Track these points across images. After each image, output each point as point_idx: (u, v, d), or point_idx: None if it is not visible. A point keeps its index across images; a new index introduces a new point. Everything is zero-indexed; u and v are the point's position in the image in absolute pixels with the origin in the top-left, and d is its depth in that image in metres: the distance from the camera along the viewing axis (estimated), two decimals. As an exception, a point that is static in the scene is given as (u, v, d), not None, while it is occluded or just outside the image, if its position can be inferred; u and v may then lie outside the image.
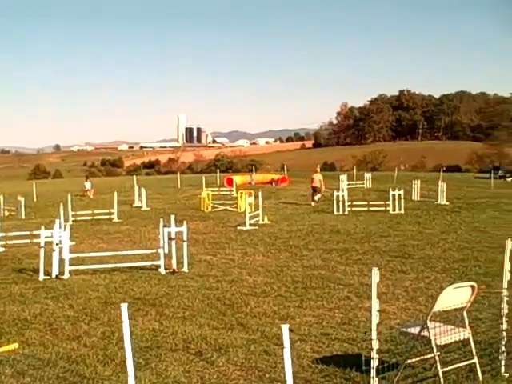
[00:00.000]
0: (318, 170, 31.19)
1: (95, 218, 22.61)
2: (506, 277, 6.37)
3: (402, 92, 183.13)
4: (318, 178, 28.64)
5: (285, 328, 4.54)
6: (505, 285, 6.37)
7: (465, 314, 6.26)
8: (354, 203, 24.19)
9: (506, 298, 6.38)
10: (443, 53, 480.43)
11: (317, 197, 28.12)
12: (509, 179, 43.73)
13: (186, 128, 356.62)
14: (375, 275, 5.38)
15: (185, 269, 12.47)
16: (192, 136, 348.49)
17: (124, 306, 5.04)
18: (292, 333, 7.87)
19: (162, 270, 12.37)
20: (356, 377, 6.21)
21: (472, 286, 6.17)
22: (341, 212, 23.15)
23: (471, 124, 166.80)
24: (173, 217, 12.98)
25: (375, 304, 5.41)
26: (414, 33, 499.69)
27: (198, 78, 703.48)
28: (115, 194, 24.05)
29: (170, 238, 12.81)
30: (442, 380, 5.87)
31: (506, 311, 6.38)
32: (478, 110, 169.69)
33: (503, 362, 6.31)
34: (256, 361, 6.88)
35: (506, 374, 6.22)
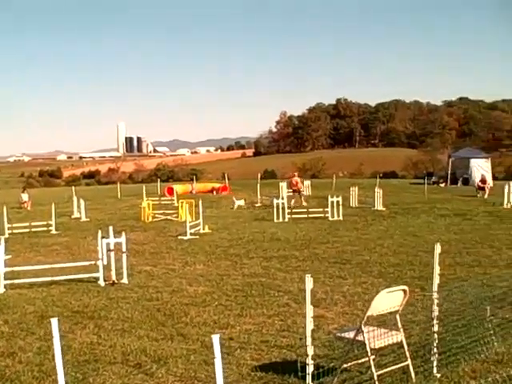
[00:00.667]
0: (296, 174, 34.65)
1: (33, 230, 22.07)
2: (436, 280, 6.61)
3: (338, 100, 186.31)
4: (296, 180, 31.99)
5: (216, 338, 4.57)
6: (435, 288, 6.60)
7: (398, 317, 6.47)
8: (294, 210, 24.47)
9: (436, 301, 6.61)
10: (378, 62, 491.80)
11: (293, 201, 29.67)
12: (442, 185, 45.07)
13: (126, 137, 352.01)
14: (309, 282, 5.49)
15: (124, 280, 12.35)
16: (132, 145, 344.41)
17: (54, 321, 4.94)
18: (232, 341, 7.94)
19: (101, 282, 12.21)
20: (294, 382, 6.32)
21: (404, 290, 6.37)
22: (281, 220, 23.37)
23: (406, 131, 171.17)
24: (111, 228, 12.83)
25: (309, 311, 5.53)
26: (349, 42, 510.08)
27: (136, 87, 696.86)
28: (53, 205, 23.55)
29: (108, 250, 12.67)
30: (377, 383, 6.03)
31: (436, 313, 6.61)
32: (412, 118, 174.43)
33: (435, 363, 6.54)
34: (196, 371, 6.90)
35: (438, 375, 6.45)
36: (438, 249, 6.65)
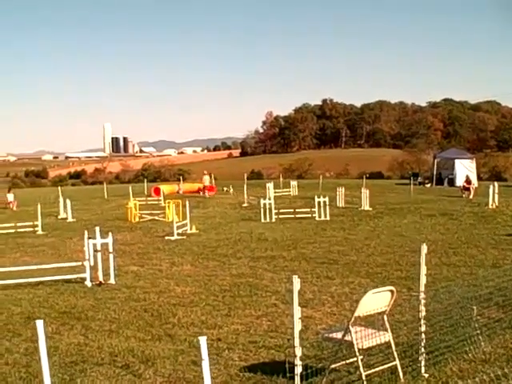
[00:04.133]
0: (206, 172, 40.67)
1: (18, 230, 21.93)
2: (423, 280, 6.65)
3: (324, 101, 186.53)
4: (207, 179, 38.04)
5: (203, 340, 4.56)
6: (422, 288, 6.64)
7: (385, 317, 6.49)
8: (281, 211, 24.49)
9: (423, 301, 6.65)
10: (363, 63, 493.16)
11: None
12: (427, 185, 45.30)
13: (112, 138, 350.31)
14: (296, 283, 5.49)
15: (111, 280, 12.31)
16: (118, 146, 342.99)
17: (40, 323, 4.89)
18: (220, 342, 7.94)
19: (88, 283, 12.16)
20: (282, 383, 6.32)
21: (391, 291, 6.40)
22: (268, 220, 23.39)
23: (391, 132, 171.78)
24: (97, 228, 12.78)
25: (297, 311, 5.53)
26: (335, 43, 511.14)
27: (122, 87, 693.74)
28: (39, 205, 23.41)
29: (95, 250, 12.62)
30: (365, 383, 6.06)
31: (423, 313, 6.65)
32: (397, 119, 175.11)
33: (423, 363, 6.58)
34: (184, 371, 6.89)
35: (426, 375, 6.48)
36: (424, 249, 6.69)
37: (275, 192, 33.60)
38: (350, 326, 6.12)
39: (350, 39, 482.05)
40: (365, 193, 27.61)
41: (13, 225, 22.30)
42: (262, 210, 23.69)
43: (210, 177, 42.08)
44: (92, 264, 12.42)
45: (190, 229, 20.84)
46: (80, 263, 12.57)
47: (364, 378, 6.06)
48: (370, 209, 26.88)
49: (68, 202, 27.16)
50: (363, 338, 6.16)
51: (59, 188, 38.34)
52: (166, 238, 19.32)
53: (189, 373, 6.84)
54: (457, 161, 45.71)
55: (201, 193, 40.75)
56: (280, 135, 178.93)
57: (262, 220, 23.34)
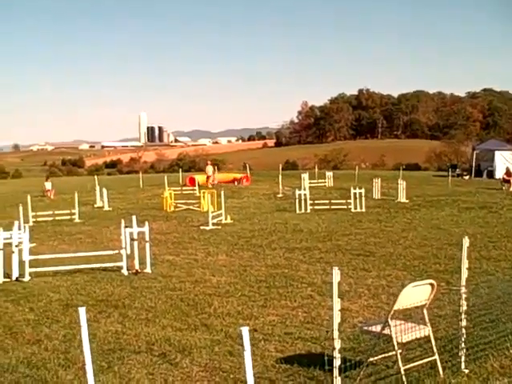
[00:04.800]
0: (209, 162, 41.65)
1: (56, 218, 22.27)
2: (464, 274, 6.51)
3: (360, 91, 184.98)
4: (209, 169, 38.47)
5: (245, 330, 4.53)
6: (463, 282, 6.50)
7: (425, 311, 6.38)
8: (316, 202, 24.34)
9: (464, 295, 6.51)
10: (400, 52, 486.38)
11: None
12: (466, 177, 44.54)
13: (148, 127, 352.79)
14: (336, 275, 5.41)
15: (147, 269, 12.39)
16: (154, 135, 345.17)
17: (82, 310, 4.93)
18: (256, 333, 7.91)
19: (124, 271, 12.27)
20: (319, 375, 6.27)
21: (431, 284, 6.27)
22: (303, 211, 23.27)
23: (429, 123, 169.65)
24: (134, 217, 12.88)
25: (337, 303, 5.45)
26: (372, 32, 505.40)
27: (157, 77, 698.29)
28: (76, 194, 23.72)
29: (132, 239, 12.72)
30: (404, 377, 5.96)
31: (464, 308, 6.51)
32: (435, 109, 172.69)
33: (463, 358, 6.44)
34: (220, 362, 6.88)
35: (466, 370, 6.34)
36: (466, 242, 6.53)
37: (310, 183, 33.38)
38: (389, 320, 6.02)
39: (388, 28, 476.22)
40: (401, 184, 27.26)
41: (51, 213, 22.64)
42: (296, 201, 23.58)
43: (214, 167, 41.77)
44: (128, 253, 12.53)
45: (225, 219, 20.86)
46: (116, 252, 12.69)
47: (403, 372, 5.96)
48: (407, 201, 26.54)
49: (104, 190, 27.48)
50: (402, 332, 6.05)
51: (95, 177, 38.78)
52: (201, 227, 19.39)
53: (225, 363, 6.83)
54: (497, 152, 44.83)
55: (236, 183, 40.78)
56: (315, 125, 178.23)
57: (297, 211, 23.24)
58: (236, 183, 40.62)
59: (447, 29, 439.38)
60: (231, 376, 6.46)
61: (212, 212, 19.98)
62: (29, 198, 22.66)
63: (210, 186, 36.99)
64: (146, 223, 12.95)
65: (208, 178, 39.46)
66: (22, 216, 18.15)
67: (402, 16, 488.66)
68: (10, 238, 12.31)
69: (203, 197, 24.21)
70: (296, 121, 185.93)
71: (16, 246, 12.09)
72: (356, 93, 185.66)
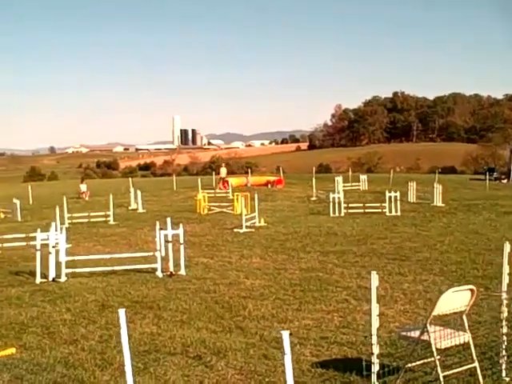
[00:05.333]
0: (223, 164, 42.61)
1: (91, 220, 22.56)
2: (505, 280, 6.36)
3: (395, 94, 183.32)
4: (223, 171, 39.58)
5: (285, 334, 4.48)
6: (504, 288, 6.35)
7: (464, 317, 6.25)
8: (350, 205, 24.14)
9: (505, 301, 6.36)
10: (436, 54, 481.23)
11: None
12: (504, 181, 43.74)
13: (181, 130, 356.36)
14: (374, 279, 5.34)
15: (182, 272, 12.43)
16: (187, 138, 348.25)
17: (122, 312, 4.96)
18: (291, 336, 7.84)
19: (159, 273, 12.33)
20: (356, 381, 6.18)
21: (471, 290, 6.14)
22: (337, 214, 23.12)
23: (465, 126, 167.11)
24: (169, 219, 12.95)
25: (375, 308, 5.38)
26: (406, 34, 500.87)
27: (191, 81, 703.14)
28: (111, 196, 23.98)
29: (166, 241, 12.78)
30: (442, 384, 5.84)
31: (505, 314, 6.36)
32: (471, 112, 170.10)
33: (504, 366, 6.29)
34: (255, 365, 6.84)
35: (507, 378, 6.20)
36: (507, 248, 6.38)
37: (344, 186, 33.19)
38: (428, 325, 5.91)
39: (423, 29, 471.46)
40: (437, 188, 26.89)
41: (86, 214, 22.94)
42: (330, 204, 23.45)
43: (227, 170, 41.70)
44: (163, 255, 12.59)
45: (259, 222, 20.84)
46: (151, 254, 12.77)
47: (442, 379, 5.84)
48: (443, 205, 26.17)
49: (139, 193, 27.72)
50: (441, 338, 5.94)
51: (130, 179, 39.19)
52: (235, 230, 19.40)
53: (260, 366, 6.79)
54: (536, 156, 43.96)
55: (269, 186, 40.74)
56: (349, 128, 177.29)
57: (331, 214, 23.10)
58: (269, 186, 40.59)
59: (484, 30, 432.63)
60: (266, 379, 6.41)
61: (245, 215, 19.98)
62: (65, 199, 23.00)
63: (220, 188, 36.92)
64: (181, 225, 12.99)
65: (221, 180, 39.36)
66: (59, 217, 18.38)
67: (439, 18, 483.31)
68: (47, 239, 12.49)
69: (237, 199, 24.24)
70: (329, 124, 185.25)
71: (53, 246, 12.26)
72: (391, 95, 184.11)
